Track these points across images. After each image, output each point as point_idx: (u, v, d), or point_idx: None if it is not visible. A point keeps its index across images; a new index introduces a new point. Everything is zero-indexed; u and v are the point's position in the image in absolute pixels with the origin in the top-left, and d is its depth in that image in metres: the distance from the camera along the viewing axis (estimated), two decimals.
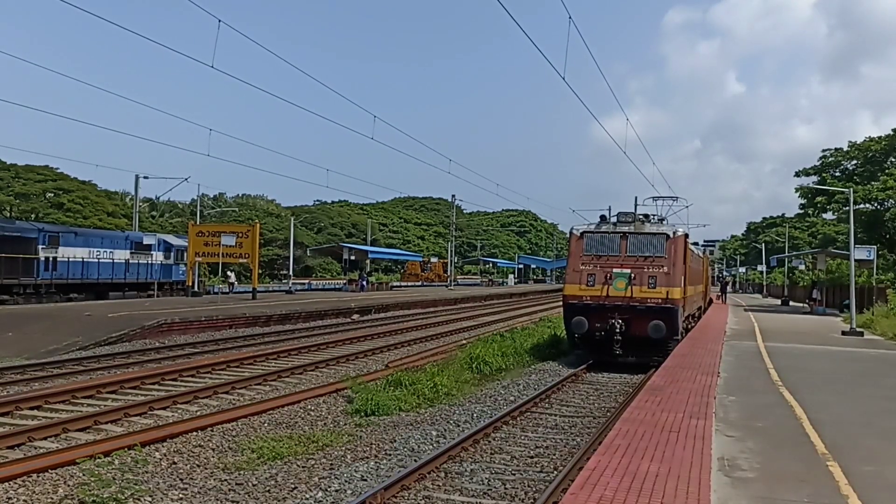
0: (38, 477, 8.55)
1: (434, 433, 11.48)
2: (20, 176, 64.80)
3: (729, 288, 59.37)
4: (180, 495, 8.23)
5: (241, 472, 9.21)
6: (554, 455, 10.41)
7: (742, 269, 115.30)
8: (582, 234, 19.98)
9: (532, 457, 10.28)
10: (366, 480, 8.88)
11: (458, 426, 12.11)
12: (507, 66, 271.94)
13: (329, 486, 8.63)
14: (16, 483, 8.31)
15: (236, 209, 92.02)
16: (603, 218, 20.79)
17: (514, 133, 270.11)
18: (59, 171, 67.45)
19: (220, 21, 17.80)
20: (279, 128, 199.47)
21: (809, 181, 45.75)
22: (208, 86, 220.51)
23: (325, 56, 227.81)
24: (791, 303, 52.78)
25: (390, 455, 10.19)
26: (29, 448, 9.99)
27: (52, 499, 7.91)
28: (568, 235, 21.59)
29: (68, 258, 35.80)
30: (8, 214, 58.40)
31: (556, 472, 9.23)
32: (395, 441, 10.98)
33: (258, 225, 43.78)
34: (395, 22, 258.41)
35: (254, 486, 8.65)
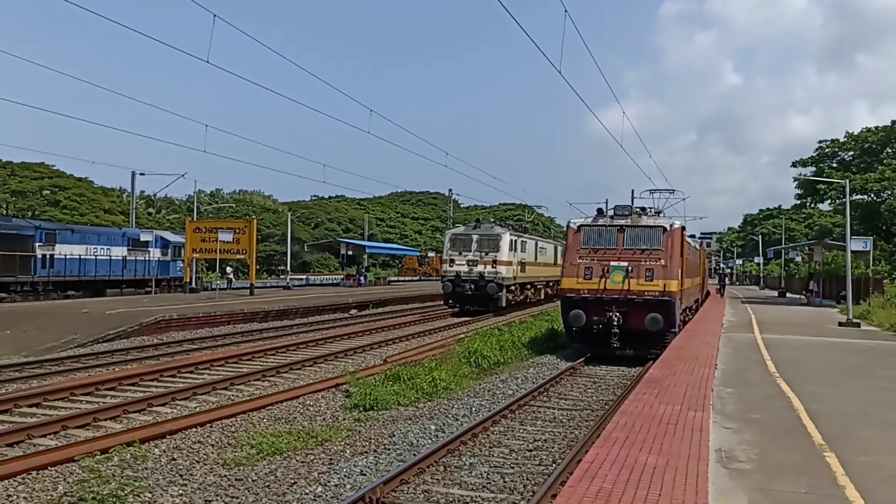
0: (37, 474, 8.57)
1: (433, 427, 11.51)
2: (16, 173, 64.63)
3: (726, 280, 59.44)
4: (180, 491, 8.25)
5: (241, 467, 9.23)
6: (552, 448, 10.45)
7: (739, 262, 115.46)
8: (579, 227, 20.01)
9: (531, 450, 10.32)
10: (365, 475, 8.91)
11: (457, 420, 12.15)
12: (504, 60, 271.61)
13: (328, 481, 8.65)
14: (16, 480, 8.33)
15: (233, 205, 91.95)
16: (600, 211, 20.85)
17: (510, 127, 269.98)
18: (55, 168, 67.29)
19: (214, 16, 17.79)
20: (275, 123, 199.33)
21: (807, 172, 45.86)
22: (204, 81, 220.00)
23: (320, 50, 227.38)
24: (788, 294, 52.87)
25: (389, 449, 10.22)
26: (28, 445, 10.00)
27: (51, 496, 7.92)
28: (565, 229, 21.67)
29: (65, 255, 35.74)
30: (4, 212, 58.27)
31: (554, 465, 9.27)
32: (393, 435, 11.01)
33: (255, 221, 43.74)
34: (391, 16, 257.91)
35: (253, 481, 8.67)
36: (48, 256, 34.81)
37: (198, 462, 9.45)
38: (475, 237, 32.78)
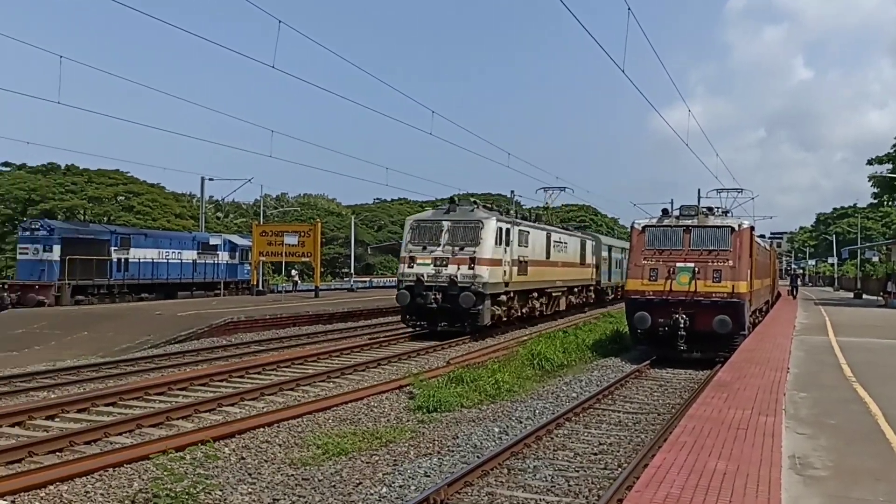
0: (114, 471, 8.84)
1: (496, 429, 11.49)
2: (93, 180, 67.22)
3: (798, 281, 57.62)
4: (249, 489, 8.42)
5: (308, 467, 9.37)
6: (618, 452, 10.31)
7: (812, 262, 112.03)
8: (644, 228, 19.75)
9: (596, 453, 10.20)
10: (429, 476, 8.94)
11: (521, 422, 12.10)
12: (565, 59, 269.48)
13: (393, 482, 8.72)
14: (93, 477, 8.61)
15: (298, 209, 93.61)
16: (665, 211, 20.53)
17: (572, 126, 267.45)
18: (129, 174, 69.73)
19: (279, 21, 18.06)
20: (338, 126, 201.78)
21: (883, 169, 44.18)
22: (270, 87, 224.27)
23: (380, 53, 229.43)
24: (864, 296, 51.04)
25: (453, 451, 10.24)
26: (105, 443, 10.34)
27: (127, 492, 8.17)
28: (629, 230, 21.43)
29: (139, 259, 36.98)
30: (82, 218, 60.62)
31: (620, 470, 9.14)
32: (457, 437, 11.02)
33: (319, 224, 44.45)
34: (450, 17, 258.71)
35: (319, 481, 8.79)
36: (123, 260, 36.11)
37: (266, 461, 9.64)
38: (446, 225, 23.52)
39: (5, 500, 7.74)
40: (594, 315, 33.29)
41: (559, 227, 33.99)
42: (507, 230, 24.58)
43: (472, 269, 22.79)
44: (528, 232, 27.14)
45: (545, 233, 29.47)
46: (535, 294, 28.30)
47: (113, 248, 35.73)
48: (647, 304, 19.06)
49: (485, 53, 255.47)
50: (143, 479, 8.55)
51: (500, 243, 23.79)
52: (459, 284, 22.62)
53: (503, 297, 24.49)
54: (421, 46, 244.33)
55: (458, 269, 22.85)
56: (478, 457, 9.70)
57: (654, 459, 7.10)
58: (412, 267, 23.42)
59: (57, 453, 9.74)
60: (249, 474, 9.00)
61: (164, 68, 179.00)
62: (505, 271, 24.22)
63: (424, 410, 12.86)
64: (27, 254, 33.49)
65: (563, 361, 18.62)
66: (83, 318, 24.88)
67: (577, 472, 9.24)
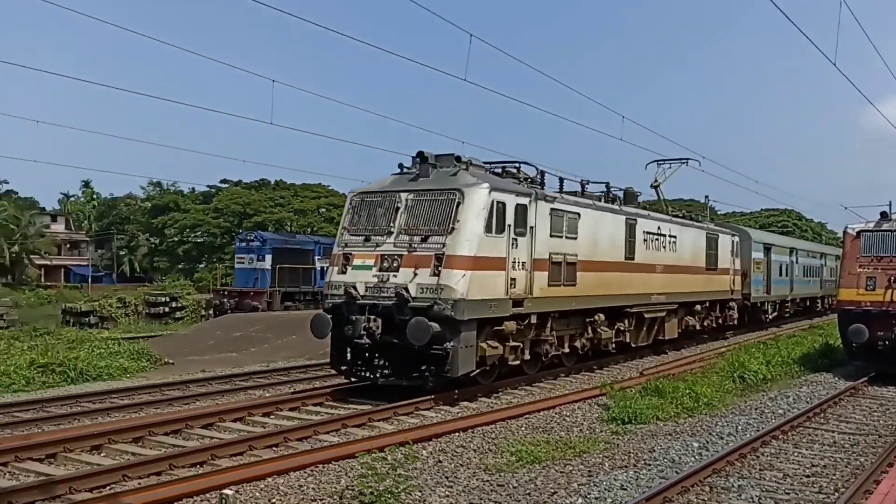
0: (323, 468, 9.43)
1: (695, 444, 11.03)
2: (298, 194, 72.49)
3: None
4: (446, 492, 8.65)
5: (502, 473, 9.48)
6: (834, 475, 9.53)
7: None
8: (858, 233, 18.26)
9: (808, 475, 9.50)
10: (625, 490, 8.75)
11: (721, 438, 11.54)
12: (765, 55, 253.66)
13: (588, 493, 8.61)
14: (305, 472, 9.21)
15: None
16: (883, 215, 18.81)
17: (772, 125, 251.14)
18: (329, 187, 74.49)
19: (471, 36, 18.40)
20: (528, 134, 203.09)
21: None
22: (461, 98, 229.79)
23: (566, 58, 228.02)
24: None
25: (650, 465, 9.95)
26: (314, 441, 11.06)
27: (335, 488, 8.66)
28: (841, 236, 19.86)
29: None
30: (289, 229, 65.42)
31: (837, 495, 8.45)
32: (653, 451, 10.70)
33: None
34: (642, 15, 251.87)
35: (514, 487, 8.87)
36: (325, 269, 38.54)
37: (462, 465, 9.86)
38: (405, 200, 14.08)
39: (231, 489, 8.49)
40: (740, 342, 24.07)
41: (665, 214, 22.99)
42: (520, 208, 14.61)
43: (438, 274, 13.14)
44: (577, 215, 16.64)
45: (623, 218, 19.04)
46: (602, 316, 17.74)
47: (316, 258, 38.29)
48: (864, 316, 17.54)
49: (679, 53, 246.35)
50: (349, 477, 9.04)
51: (500, 230, 14.02)
52: (412, 304, 13.15)
53: (510, 324, 14.45)
54: (611, 50, 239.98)
55: (415, 274, 13.34)
56: (676, 472, 9.37)
57: (879, 486, 6.53)
58: (344, 272, 14.22)
59: (273, 448, 10.56)
60: (446, 477, 9.25)
61: (362, 86, 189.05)
62: (513, 279, 14.36)
63: (619, 422, 12.60)
64: (243, 263, 36.75)
65: (766, 375, 17.55)
66: (291, 322, 26.74)
67: (788, 494, 8.66)
